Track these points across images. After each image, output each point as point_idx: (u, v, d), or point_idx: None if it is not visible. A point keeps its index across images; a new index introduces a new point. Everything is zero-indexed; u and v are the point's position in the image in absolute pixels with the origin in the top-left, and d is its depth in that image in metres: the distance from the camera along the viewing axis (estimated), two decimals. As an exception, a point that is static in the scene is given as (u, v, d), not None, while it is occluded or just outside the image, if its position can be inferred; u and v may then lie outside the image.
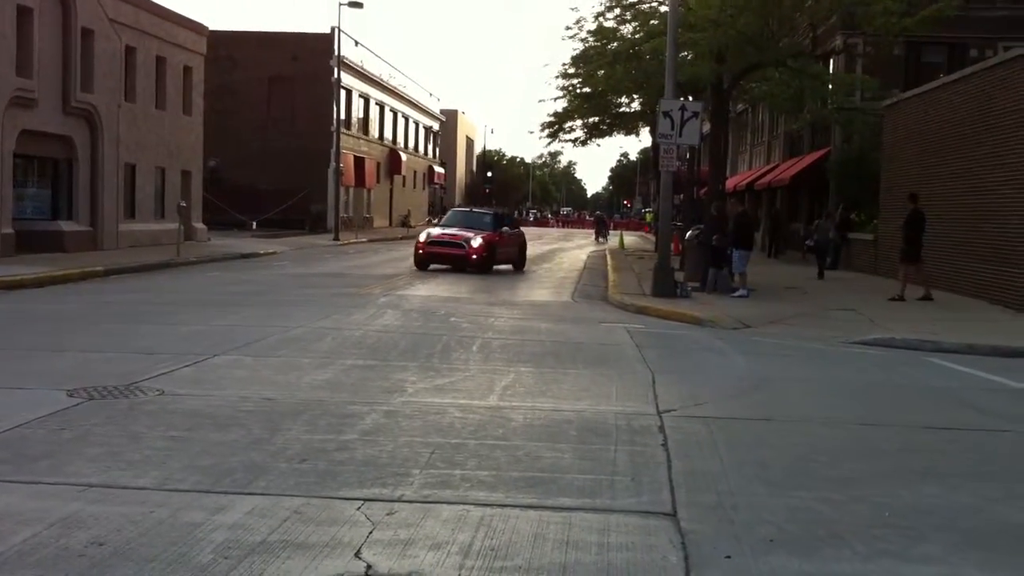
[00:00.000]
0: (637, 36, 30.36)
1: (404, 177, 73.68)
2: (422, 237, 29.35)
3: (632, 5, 30.39)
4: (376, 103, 65.97)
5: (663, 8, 28.26)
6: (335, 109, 50.31)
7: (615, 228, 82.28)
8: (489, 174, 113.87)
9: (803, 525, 6.06)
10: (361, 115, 63.00)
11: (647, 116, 38.43)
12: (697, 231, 24.60)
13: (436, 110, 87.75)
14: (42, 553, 5.13)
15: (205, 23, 40.50)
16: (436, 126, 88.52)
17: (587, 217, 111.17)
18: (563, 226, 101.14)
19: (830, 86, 31.88)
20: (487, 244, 28.40)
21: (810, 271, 29.48)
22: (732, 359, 13.34)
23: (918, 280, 21.42)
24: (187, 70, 38.58)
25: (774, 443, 8.31)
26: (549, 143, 48.40)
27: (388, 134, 69.97)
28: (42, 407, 8.49)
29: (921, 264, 21.68)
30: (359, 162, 59.80)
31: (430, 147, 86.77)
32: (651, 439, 8.19)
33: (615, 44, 31.61)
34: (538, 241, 57.57)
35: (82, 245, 29.75)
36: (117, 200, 32.39)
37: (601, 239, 61.85)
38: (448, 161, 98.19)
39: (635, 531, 5.83)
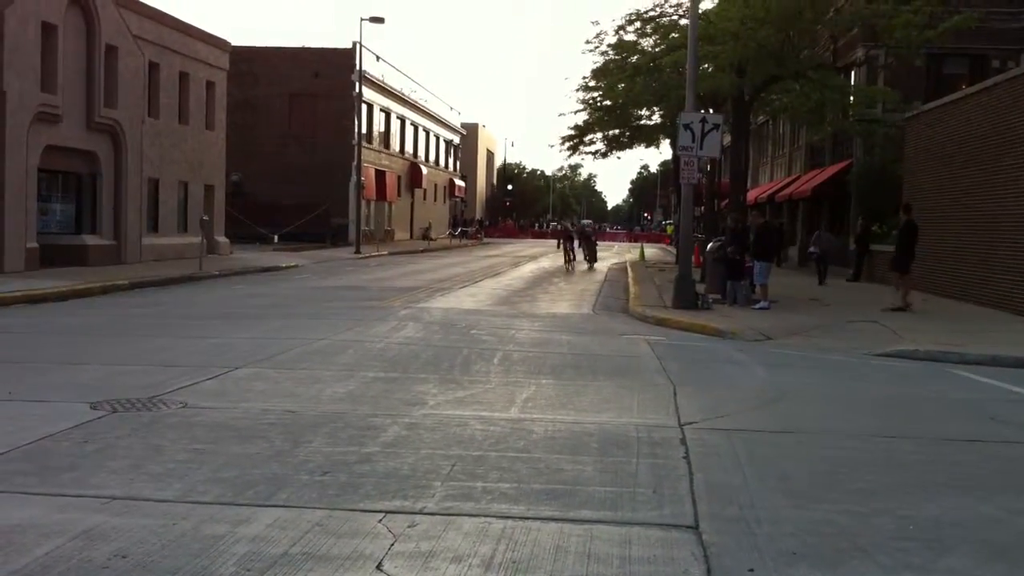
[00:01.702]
0: (657, 49, 30.40)
1: (425, 190, 73.92)
2: None
3: (652, 19, 30.43)
4: (397, 117, 66.24)
5: (683, 21, 28.29)
6: (356, 123, 50.54)
7: (635, 240, 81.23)
8: (509, 187, 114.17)
9: (826, 538, 6.02)
10: (382, 129, 63.27)
11: (667, 128, 38.43)
12: (718, 243, 24.57)
13: (457, 123, 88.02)
14: (65, 566, 5.16)
15: (227, 39, 40.84)
16: (457, 139, 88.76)
17: (568, 226, 62.66)
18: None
19: (851, 98, 31.81)
20: None
21: (814, 280, 30.45)
22: (753, 371, 13.28)
23: (900, 288, 21.48)
24: (210, 85, 38.87)
25: (796, 455, 8.27)
26: (570, 156, 48.39)
27: (409, 148, 70.21)
28: (66, 420, 8.55)
29: (907, 276, 21.58)
30: (380, 175, 60.05)
31: (451, 160, 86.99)
32: (672, 451, 8.16)
33: (635, 57, 31.68)
34: (560, 253, 57.57)
35: (106, 259, 29.98)
36: (140, 214, 32.64)
37: (586, 259, 42.93)
38: (469, 174, 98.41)
39: (657, 544, 5.81)
